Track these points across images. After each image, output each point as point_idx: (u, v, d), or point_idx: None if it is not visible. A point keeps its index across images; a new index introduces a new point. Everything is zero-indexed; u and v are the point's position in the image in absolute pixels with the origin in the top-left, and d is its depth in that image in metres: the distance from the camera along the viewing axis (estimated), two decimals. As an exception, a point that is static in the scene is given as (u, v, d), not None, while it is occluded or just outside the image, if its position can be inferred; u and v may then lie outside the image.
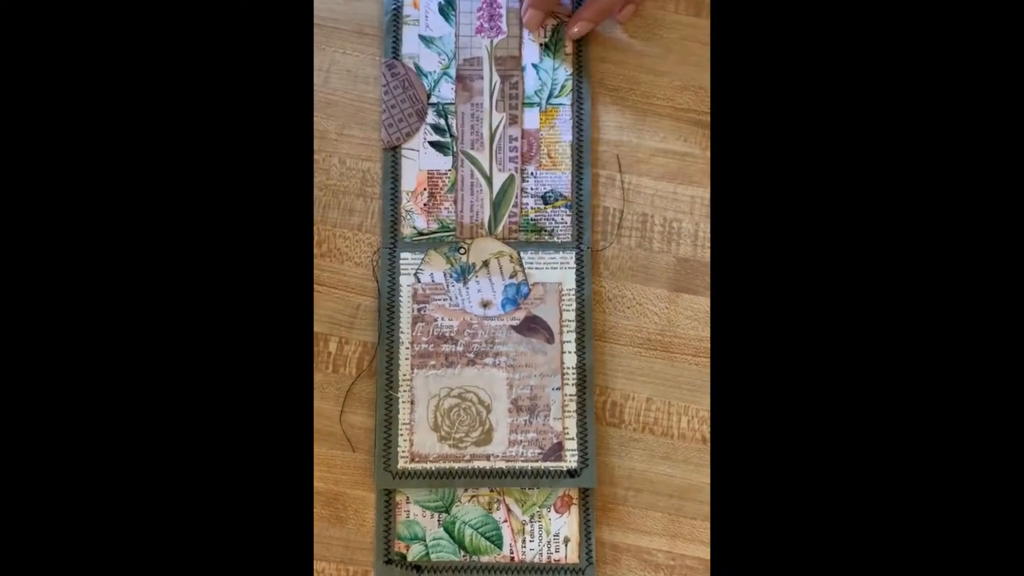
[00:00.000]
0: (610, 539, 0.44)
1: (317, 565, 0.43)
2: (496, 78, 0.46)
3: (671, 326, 0.45)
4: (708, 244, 0.46)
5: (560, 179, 0.46)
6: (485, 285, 0.45)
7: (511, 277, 0.45)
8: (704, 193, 0.46)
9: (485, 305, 0.45)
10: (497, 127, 0.46)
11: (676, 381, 0.45)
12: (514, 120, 0.46)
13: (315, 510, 0.44)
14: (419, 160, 0.46)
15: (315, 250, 0.45)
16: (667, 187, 0.46)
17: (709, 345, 0.45)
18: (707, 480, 0.44)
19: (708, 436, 0.45)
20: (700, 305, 0.45)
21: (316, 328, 0.45)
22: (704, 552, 0.44)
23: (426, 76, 0.46)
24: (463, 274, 0.45)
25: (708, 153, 0.46)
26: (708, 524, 0.44)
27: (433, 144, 0.46)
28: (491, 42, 0.46)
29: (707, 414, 0.45)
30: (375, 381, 0.44)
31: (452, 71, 0.46)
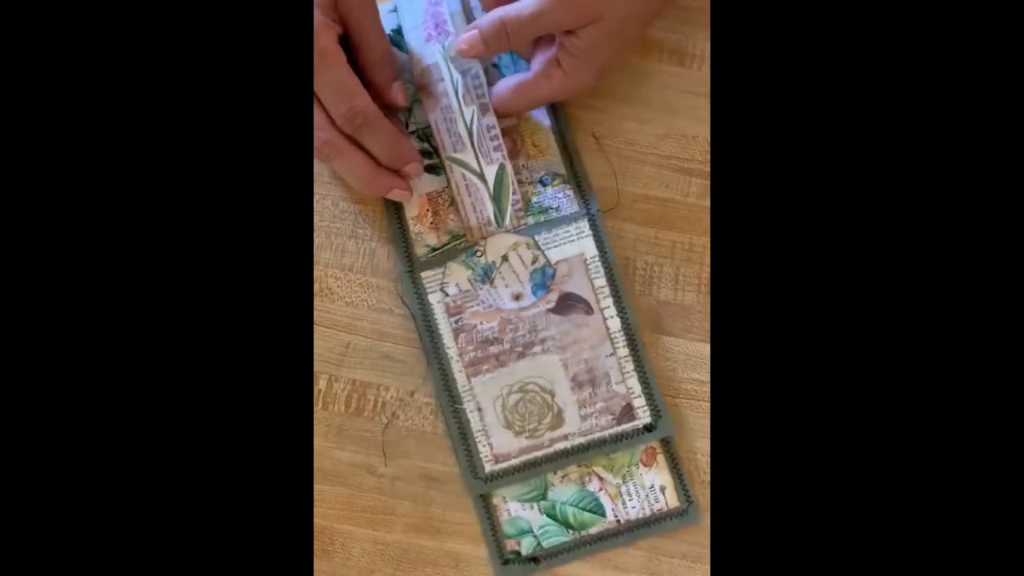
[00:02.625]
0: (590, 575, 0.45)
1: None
2: (456, 75, 0.46)
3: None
4: (687, 288, 0.46)
5: (552, 162, 0.46)
6: (511, 279, 0.45)
7: (533, 263, 0.45)
8: (684, 238, 0.47)
9: (517, 298, 0.45)
10: (471, 121, 0.46)
11: None
12: (485, 109, 0.46)
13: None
14: (416, 187, 0.46)
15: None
16: (648, 232, 0.47)
17: (688, 387, 0.46)
18: None
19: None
20: (679, 347, 0.46)
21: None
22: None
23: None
24: (487, 274, 0.45)
25: (689, 199, 0.47)
26: (686, 563, 0.45)
27: (425, 169, 0.46)
28: (443, 45, 0.46)
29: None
30: (438, 401, 0.45)
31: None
